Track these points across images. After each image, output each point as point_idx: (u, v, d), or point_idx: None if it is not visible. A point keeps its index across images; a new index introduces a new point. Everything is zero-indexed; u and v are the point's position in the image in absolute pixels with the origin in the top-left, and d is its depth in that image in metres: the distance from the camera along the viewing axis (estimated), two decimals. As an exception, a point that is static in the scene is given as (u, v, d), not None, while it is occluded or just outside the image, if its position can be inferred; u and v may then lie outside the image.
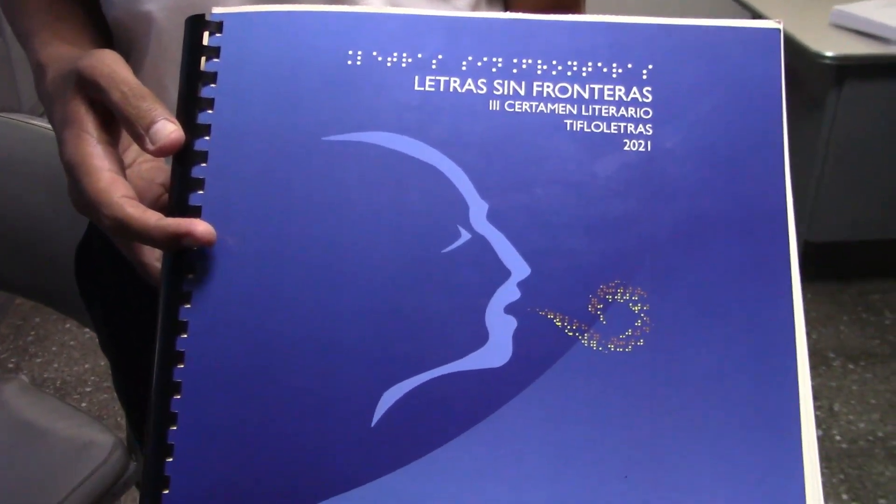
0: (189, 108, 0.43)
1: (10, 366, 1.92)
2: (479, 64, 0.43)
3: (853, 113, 1.84)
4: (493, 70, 0.43)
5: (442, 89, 0.43)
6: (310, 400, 0.41)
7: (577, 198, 0.42)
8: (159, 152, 0.42)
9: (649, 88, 0.43)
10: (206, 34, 0.44)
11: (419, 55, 0.43)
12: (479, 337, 0.41)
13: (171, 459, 0.41)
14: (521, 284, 0.41)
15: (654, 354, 0.41)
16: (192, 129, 0.43)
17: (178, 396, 0.41)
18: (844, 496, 1.57)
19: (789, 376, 0.40)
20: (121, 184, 0.43)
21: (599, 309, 0.41)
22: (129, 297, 0.68)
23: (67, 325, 2.02)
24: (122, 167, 0.44)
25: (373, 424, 0.40)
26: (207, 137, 0.43)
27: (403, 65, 0.43)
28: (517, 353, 0.41)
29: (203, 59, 0.43)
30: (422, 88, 0.43)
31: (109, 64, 0.43)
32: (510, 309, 0.41)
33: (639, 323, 0.41)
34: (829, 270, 2.16)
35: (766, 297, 0.41)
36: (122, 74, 0.43)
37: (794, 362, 0.40)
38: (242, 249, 0.42)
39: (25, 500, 0.90)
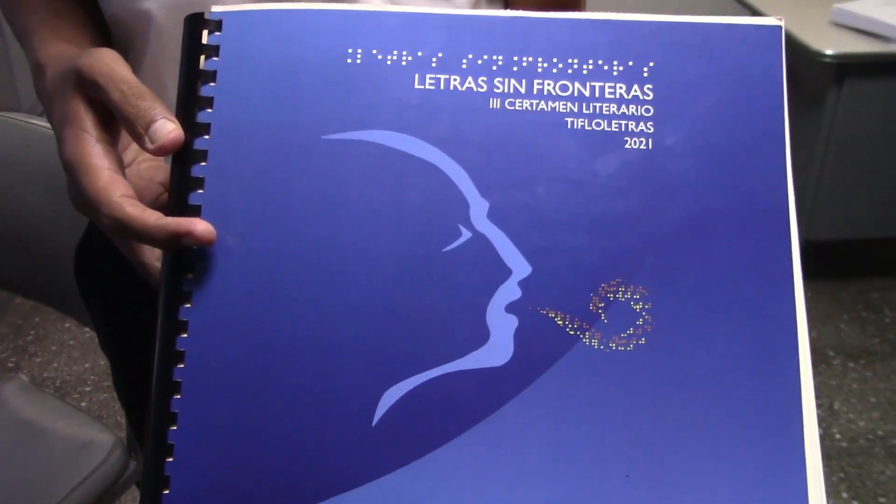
0: (188, 106, 0.43)
1: (10, 365, 1.92)
2: (480, 62, 0.43)
3: (853, 111, 1.84)
4: (494, 68, 0.43)
5: (442, 87, 0.43)
6: (310, 399, 0.41)
7: (578, 196, 0.42)
8: (158, 151, 0.42)
9: (650, 86, 0.43)
10: (205, 32, 0.44)
11: (419, 53, 0.43)
12: (480, 336, 0.41)
13: (171, 459, 0.40)
14: (522, 283, 0.41)
15: (656, 353, 0.40)
16: (192, 127, 0.43)
17: (178, 396, 0.41)
18: (844, 495, 1.57)
19: (791, 374, 0.40)
20: (120, 183, 0.43)
21: (601, 307, 0.41)
22: (128, 296, 0.68)
23: (67, 325, 2.02)
24: (122, 166, 0.44)
25: (373, 424, 0.40)
26: (207, 136, 0.43)
27: (403, 63, 0.43)
28: (518, 353, 0.41)
29: (202, 57, 0.43)
30: (422, 86, 0.43)
31: (108, 62, 0.43)
32: (511, 308, 0.41)
33: (640, 322, 0.41)
34: (828, 269, 2.16)
35: (768, 295, 0.41)
36: (122, 73, 0.43)
37: (797, 360, 0.40)
38: (242, 249, 0.42)
39: (25, 500, 0.89)
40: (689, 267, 0.41)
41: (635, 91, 0.43)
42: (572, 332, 0.41)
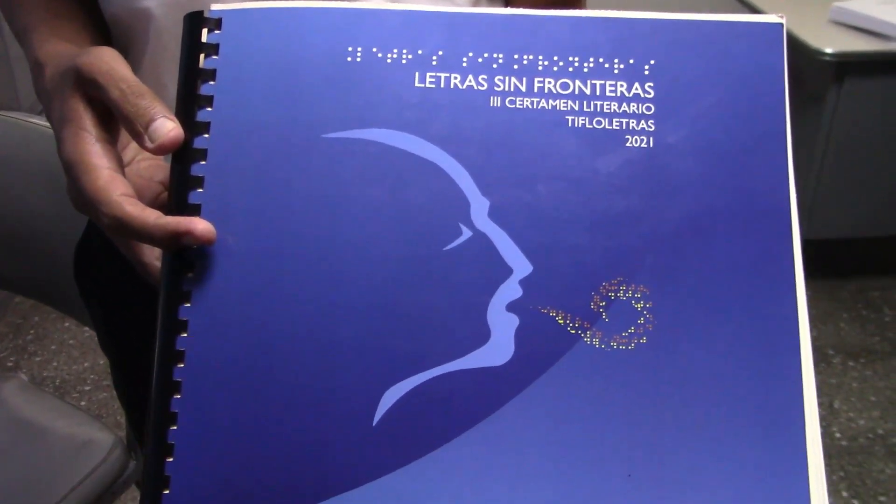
0: (188, 105, 0.43)
1: (10, 364, 1.92)
2: (480, 60, 0.43)
3: (853, 110, 1.84)
4: (494, 66, 0.43)
5: (442, 86, 0.43)
6: (310, 399, 0.40)
7: (578, 194, 0.42)
8: (158, 150, 0.42)
9: (651, 84, 0.43)
10: (204, 31, 0.43)
11: (419, 51, 0.43)
12: (481, 335, 0.41)
13: (171, 459, 0.40)
14: (522, 282, 0.41)
15: (657, 352, 0.40)
16: (192, 126, 0.43)
17: (178, 396, 0.41)
18: (844, 493, 1.57)
19: (793, 374, 0.40)
20: (120, 182, 0.43)
21: (602, 306, 0.41)
22: (128, 295, 0.68)
23: (67, 324, 2.02)
24: (121, 165, 0.44)
25: (374, 423, 0.40)
26: (207, 135, 0.43)
27: (404, 61, 0.43)
28: (519, 352, 0.41)
29: (202, 56, 0.43)
30: (422, 85, 0.43)
31: (108, 61, 0.43)
32: (512, 307, 0.41)
33: (641, 320, 0.41)
34: (828, 267, 2.16)
35: (769, 293, 0.41)
36: (121, 72, 0.43)
37: (798, 359, 0.40)
38: (242, 248, 0.42)
39: (25, 499, 0.89)
40: (690, 266, 0.41)
41: (636, 89, 0.43)
42: (573, 332, 0.41)
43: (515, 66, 0.43)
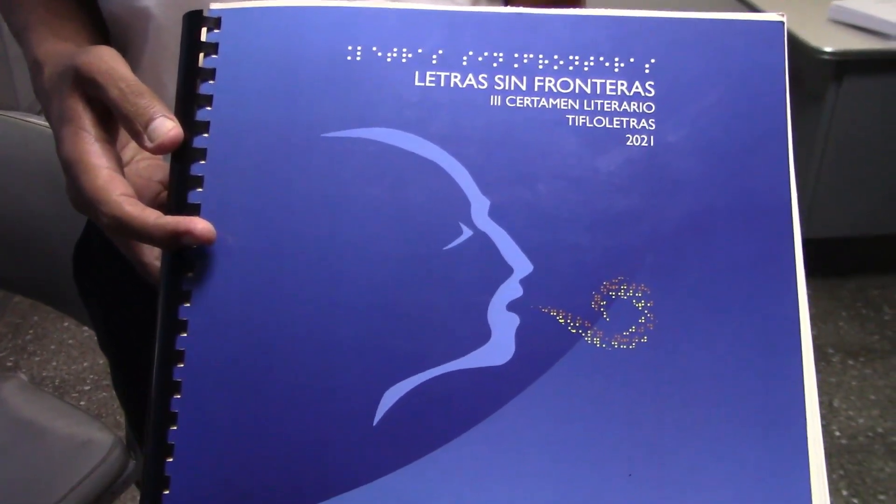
0: (187, 104, 0.43)
1: (9, 364, 1.91)
2: (480, 59, 0.43)
3: (852, 108, 1.84)
4: (495, 65, 0.43)
5: (442, 84, 0.43)
6: (311, 399, 0.40)
7: (579, 193, 0.42)
8: (158, 150, 0.42)
9: (652, 83, 0.43)
10: (204, 30, 0.43)
11: (419, 50, 0.43)
12: (482, 335, 0.41)
13: (171, 459, 0.40)
14: (523, 281, 0.41)
15: (658, 351, 0.40)
16: (191, 126, 0.42)
17: (178, 396, 0.41)
18: (844, 492, 1.57)
19: (794, 373, 0.40)
20: (119, 181, 0.42)
21: (603, 306, 0.41)
22: (127, 295, 0.68)
23: (66, 324, 2.02)
24: (121, 165, 0.44)
25: (374, 423, 0.40)
26: (206, 134, 0.42)
27: (404, 60, 0.43)
28: (520, 351, 0.40)
29: (201, 55, 0.43)
30: (422, 84, 0.43)
31: (107, 60, 0.43)
32: (512, 306, 0.41)
33: (642, 320, 0.41)
34: (827, 266, 2.16)
35: (770, 292, 0.41)
36: (120, 71, 0.43)
37: (800, 358, 0.40)
38: (242, 247, 0.42)
39: (24, 499, 0.89)
40: (691, 265, 0.41)
41: (637, 88, 0.43)
42: (574, 331, 0.41)
43: (516, 65, 0.43)
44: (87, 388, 1.86)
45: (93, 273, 0.72)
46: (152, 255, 0.45)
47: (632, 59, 0.43)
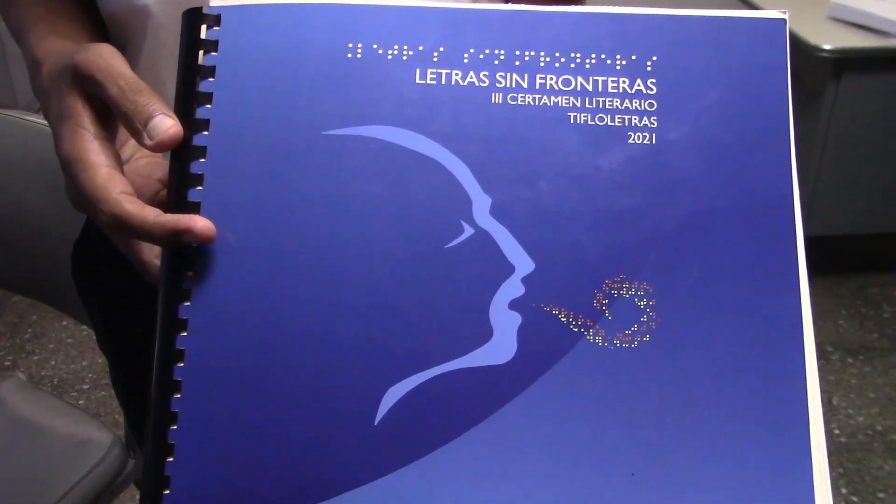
0: (187, 102, 0.43)
1: (7, 363, 1.91)
2: (481, 56, 0.43)
3: (851, 106, 1.84)
4: (496, 62, 0.43)
5: (443, 82, 0.42)
6: (311, 398, 0.40)
7: (581, 191, 0.41)
8: (157, 147, 0.41)
9: (653, 80, 0.42)
10: (203, 27, 0.43)
11: (420, 48, 0.43)
12: (484, 333, 0.40)
13: (171, 459, 0.40)
14: (525, 280, 0.41)
15: (661, 350, 0.40)
16: (191, 123, 0.42)
17: (178, 395, 0.40)
18: (843, 490, 1.58)
19: (797, 372, 0.40)
20: (118, 180, 0.42)
21: (605, 304, 0.41)
22: (127, 294, 0.68)
23: (65, 323, 2.02)
24: (120, 163, 0.44)
25: (376, 423, 0.40)
26: (206, 132, 0.42)
27: (404, 57, 0.43)
28: (522, 350, 0.40)
29: (201, 52, 0.43)
30: (423, 81, 0.42)
31: (106, 58, 0.43)
32: (514, 304, 0.41)
33: (644, 318, 0.40)
34: (827, 264, 2.16)
35: (773, 290, 0.40)
36: (119, 69, 0.43)
37: (802, 357, 0.40)
38: (242, 245, 0.41)
39: (23, 499, 0.89)
40: (693, 263, 0.41)
41: (638, 85, 0.42)
42: (576, 329, 0.40)
43: (517, 63, 0.43)
44: (85, 387, 1.85)
45: (92, 272, 0.72)
46: (152, 254, 0.45)
47: (633, 57, 0.43)
